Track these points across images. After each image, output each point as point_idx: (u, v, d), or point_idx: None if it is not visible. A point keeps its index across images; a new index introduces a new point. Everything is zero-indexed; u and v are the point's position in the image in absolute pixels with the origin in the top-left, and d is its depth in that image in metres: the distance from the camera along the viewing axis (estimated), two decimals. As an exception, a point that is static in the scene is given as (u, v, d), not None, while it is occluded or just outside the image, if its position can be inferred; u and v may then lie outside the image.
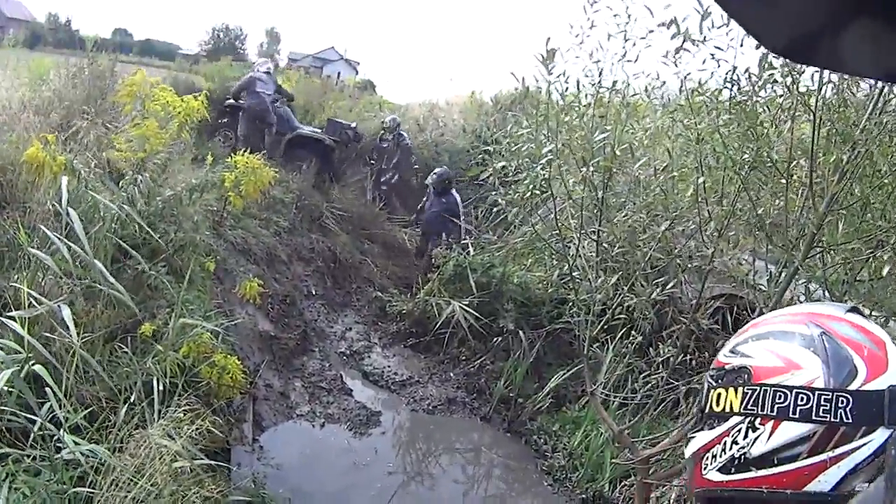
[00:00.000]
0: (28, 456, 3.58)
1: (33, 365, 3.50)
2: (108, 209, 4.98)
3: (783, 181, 3.67)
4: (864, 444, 1.09)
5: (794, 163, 3.68)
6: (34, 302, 3.91)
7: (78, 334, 3.87)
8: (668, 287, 4.71)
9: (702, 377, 4.84)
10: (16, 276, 4.27)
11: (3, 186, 5.26)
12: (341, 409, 6.62)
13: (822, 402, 1.10)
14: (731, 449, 1.20)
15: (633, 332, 5.09)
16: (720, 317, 5.17)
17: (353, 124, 10.95)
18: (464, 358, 7.66)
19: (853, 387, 1.10)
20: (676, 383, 4.87)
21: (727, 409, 1.21)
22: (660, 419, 5.71)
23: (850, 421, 1.09)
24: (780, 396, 1.14)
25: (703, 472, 1.26)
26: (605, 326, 4.86)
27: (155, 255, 5.32)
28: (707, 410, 1.26)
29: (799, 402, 1.12)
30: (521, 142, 4.76)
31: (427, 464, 6.36)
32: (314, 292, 8.17)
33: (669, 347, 4.79)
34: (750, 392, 1.17)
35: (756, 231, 4.03)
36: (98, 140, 5.91)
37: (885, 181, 3.46)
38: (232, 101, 10.06)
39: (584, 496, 5.97)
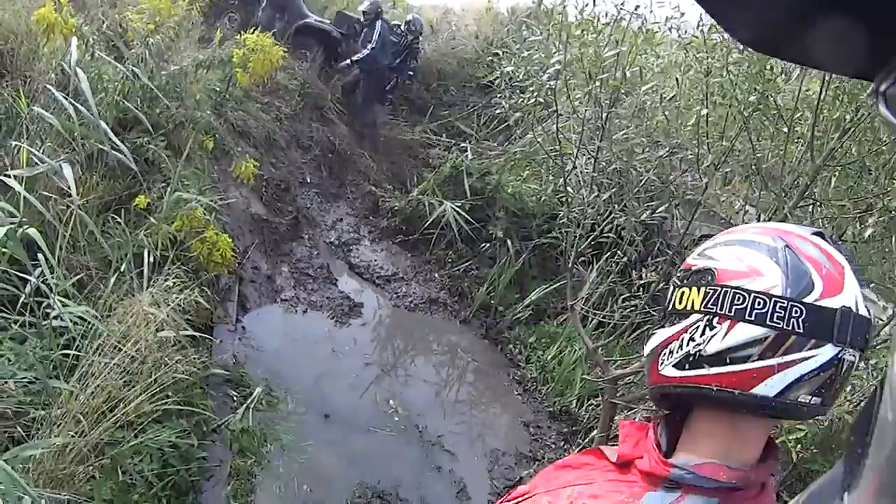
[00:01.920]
0: (15, 322, 3.64)
1: (28, 228, 3.51)
2: (112, 79, 4.92)
3: (785, 129, 3.67)
4: (812, 357, 1.16)
5: (799, 114, 3.68)
6: (35, 161, 3.90)
7: (78, 200, 3.88)
8: (658, 211, 4.73)
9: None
10: (15, 142, 4.23)
11: (4, 55, 5.15)
12: (325, 297, 6.71)
13: (777, 309, 1.16)
14: (687, 345, 1.25)
15: (619, 254, 5.13)
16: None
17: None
18: (450, 260, 7.72)
19: (808, 300, 1.16)
20: (654, 312, 4.96)
21: (688, 308, 1.26)
22: (634, 344, 5.84)
23: (801, 331, 1.15)
24: (738, 298, 1.19)
25: (660, 368, 1.32)
26: (593, 243, 4.90)
27: (155, 130, 5.28)
28: (670, 308, 1.32)
29: (756, 306, 1.18)
30: (532, 49, 4.71)
31: (403, 360, 6.50)
32: (309, 180, 8.16)
33: (652, 273, 4.86)
34: (711, 292, 1.23)
35: (752, 175, 4.05)
36: (108, 8, 5.77)
37: (883, 147, 3.47)
38: None
39: (551, 409, 6.14)
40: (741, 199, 4.51)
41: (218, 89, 6.74)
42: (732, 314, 1.20)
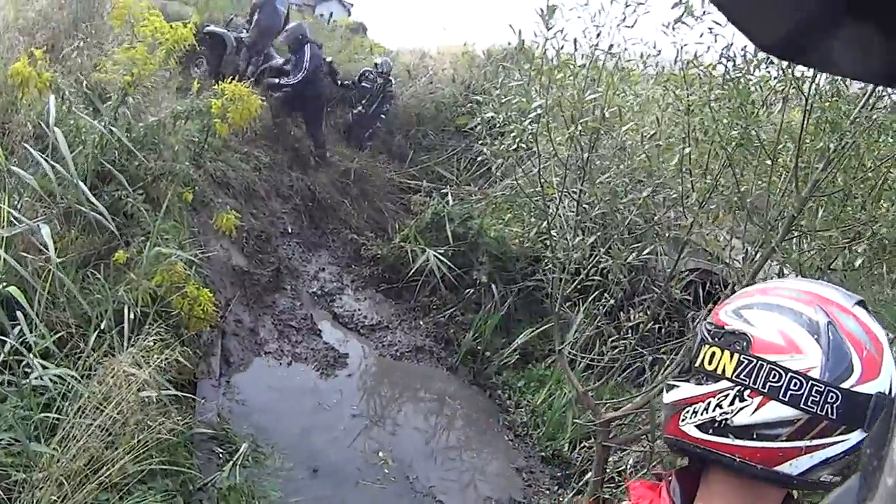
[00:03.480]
0: (-6, 382, 3.55)
1: (6, 287, 3.44)
2: (89, 133, 4.88)
3: (768, 162, 3.68)
4: (841, 442, 1.12)
5: (781, 146, 3.69)
6: (14, 221, 3.83)
7: (56, 258, 3.81)
8: (644, 252, 4.72)
9: (668, 349, 4.92)
10: None
11: None
12: (309, 348, 6.63)
13: (814, 393, 1.12)
14: (713, 411, 1.21)
15: (605, 296, 5.11)
16: (693, 290, 5.22)
17: (330, 59, 10.58)
18: (434, 307, 7.67)
19: (846, 385, 1.12)
20: (643, 351, 4.93)
21: (719, 371, 1.22)
22: (624, 385, 5.80)
23: (835, 418, 1.11)
24: (774, 375, 1.15)
25: (680, 424, 1.28)
26: (579, 287, 4.88)
27: (133, 183, 5.23)
28: (698, 365, 1.27)
29: (792, 387, 1.14)
30: (511, 94, 4.72)
31: (391, 409, 6.41)
32: (290, 230, 8.11)
33: (640, 314, 4.83)
34: (746, 362, 1.18)
35: (737, 209, 4.06)
36: (84, 63, 5.75)
37: (869, 175, 3.48)
38: (211, 28, 9.71)
39: (543, 454, 6.07)
40: (727, 232, 4.51)
41: (196, 139, 6.71)
42: (766, 391, 1.16)
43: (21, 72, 4.64)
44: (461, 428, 6.40)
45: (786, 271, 3.94)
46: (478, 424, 6.44)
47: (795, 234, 3.73)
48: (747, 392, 1.17)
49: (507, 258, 7.62)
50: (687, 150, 3.89)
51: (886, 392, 1.13)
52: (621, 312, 5.14)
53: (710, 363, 1.24)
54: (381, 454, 5.66)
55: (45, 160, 4.04)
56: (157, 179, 5.49)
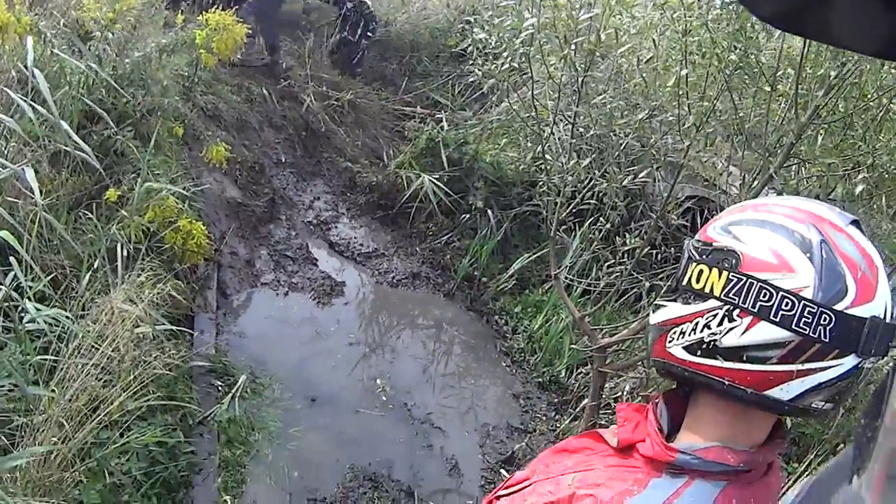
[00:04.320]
0: (-9, 329, 3.55)
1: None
2: (74, 73, 4.78)
3: (767, 88, 3.60)
4: (833, 367, 1.11)
5: (781, 72, 3.60)
6: (-1, 167, 3.78)
7: (42, 201, 3.76)
8: (640, 176, 4.66)
9: (665, 275, 4.92)
10: None
11: None
12: (306, 278, 6.62)
13: (806, 314, 1.10)
14: (701, 331, 1.19)
15: (601, 220, 5.07)
16: (690, 217, 5.18)
17: None
18: (430, 233, 7.63)
19: (839, 307, 1.10)
20: (640, 277, 4.92)
21: (707, 290, 1.20)
22: (621, 311, 5.82)
23: (828, 340, 1.10)
24: (765, 294, 1.13)
25: (667, 345, 1.26)
26: (574, 211, 4.83)
27: (122, 121, 5.14)
28: (685, 283, 1.25)
29: (783, 307, 1.11)
30: (503, 14, 4.60)
31: (388, 337, 6.44)
32: (284, 160, 8.00)
33: (636, 239, 4.80)
34: (735, 280, 1.16)
35: (735, 135, 3.99)
36: (65, 2, 5.58)
37: (870, 104, 3.40)
38: None
39: (540, 380, 6.11)
40: (724, 159, 4.45)
41: (185, 74, 6.58)
42: (756, 311, 1.13)
43: (-1, 18, 4.51)
44: (458, 354, 6.43)
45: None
46: (475, 351, 6.47)
47: (794, 161, 3.67)
48: (736, 312, 1.15)
49: (502, 183, 7.54)
50: (684, 73, 3.79)
51: (881, 316, 1.12)
52: (617, 237, 5.11)
53: (697, 282, 1.22)
54: (378, 382, 5.70)
55: (26, 102, 3.95)
56: (146, 116, 5.39)
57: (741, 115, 3.75)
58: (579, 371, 6.01)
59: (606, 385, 4.81)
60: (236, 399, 4.68)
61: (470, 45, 4.91)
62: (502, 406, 5.82)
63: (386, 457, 5.00)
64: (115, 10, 5.03)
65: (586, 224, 5.90)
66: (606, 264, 5.48)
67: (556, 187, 4.65)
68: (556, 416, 5.72)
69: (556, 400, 5.92)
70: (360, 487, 4.70)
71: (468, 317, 6.89)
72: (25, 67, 4.16)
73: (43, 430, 3.21)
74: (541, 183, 5.17)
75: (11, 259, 3.41)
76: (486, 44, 4.85)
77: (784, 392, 1.14)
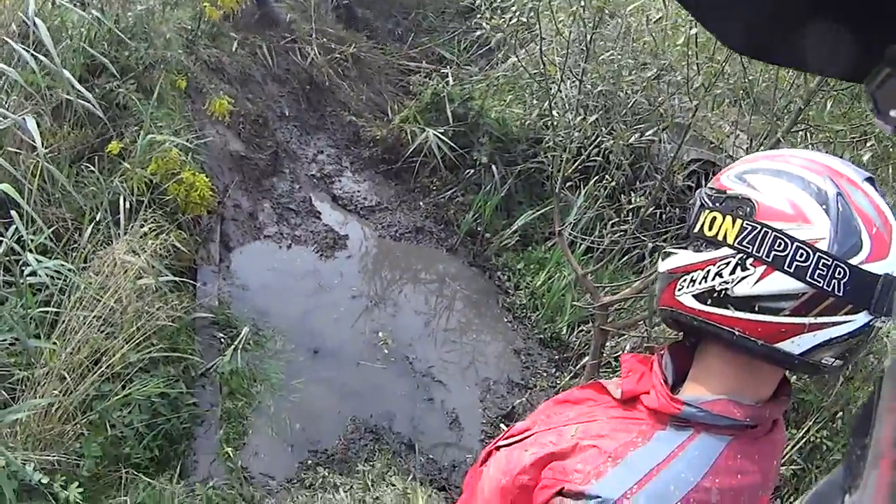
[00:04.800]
0: (-8, 283, 3.56)
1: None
2: (76, 25, 4.73)
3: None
4: (845, 322, 1.10)
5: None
6: (-1, 117, 3.75)
7: (45, 153, 3.74)
8: (647, 135, 4.63)
9: (669, 235, 4.91)
10: None
11: None
12: (309, 231, 6.61)
13: (821, 266, 1.08)
14: (712, 280, 1.18)
15: (606, 178, 5.05)
16: (695, 180, 5.14)
17: None
18: (434, 188, 7.59)
19: (854, 261, 1.08)
20: (644, 237, 4.91)
21: (720, 238, 1.18)
22: (623, 270, 5.81)
23: (841, 295, 1.08)
24: (780, 244, 1.11)
25: (676, 293, 1.25)
26: (580, 168, 4.80)
27: (124, 74, 5.11)
28: (697, 231, 1.23)
29: (798, 258, 1.10)
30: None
31: (391, 291, 6.44)
32: (287, 114, 7.93)
33: (641, 198, 4.78)
34: (750, 228, 1.14)
35: (743, 99, 3.94)
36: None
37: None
38: None
39: (541, 336, 6.12)
40: (731, 123, 4.41)
41: (189, 27, 6.51)
42: (771, 260, 1.11)
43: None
44: (461, 309, 6.45)
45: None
46: (477, 306, 6.48)
47: (802, 127, 3.63)
48: (750, 261, 1.13)
49: (508, 139, 7.47)
50: (693, 32, 3.74)
51: (894, 274, 1.10)
52: (622, 196, 5.10)
53: (710, 229, 1.20)
54: (381, 335, 5.72)
55: (28, 51, 3.92)
56: (149, 68, 5.35)
57: (750, 78, 3.70)
58: (581, 329, 6.02)
59: (608, 343, 4.82)
60: (239, 351, 4.72)
61: (479, -1, 4.86)
62: (503, 361, 5.85)
63: (387, 409, 5.05)
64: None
65: (591, 182, 5.89)
66: (610, 223, 5.49)
67: (561, 144, 4.61)
68: (557, 373, 5.74)
69: (556, 357, 5.95)
70: (361, 439, 4.75)
71: (471, 272, 6.89)
72: (27, 19, 4.12)
73: (44, 384, 3.23)
74: (546, 139, 5.14)
75: (13, 212, 3.40)
76: (494, -2, 4.80)
77: (795, 345, 1.12)
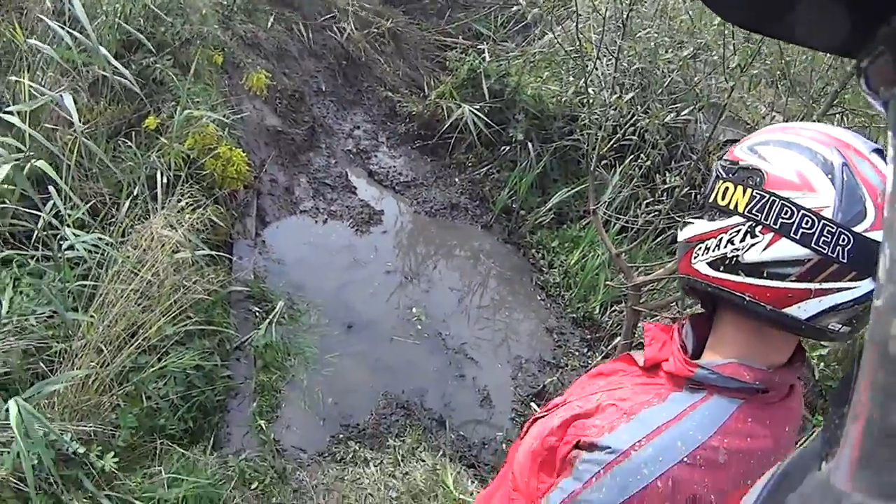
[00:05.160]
0: (32, 258, 3.64)
1: (36, 161, 3.46)
2: (111, 1, 4.78)
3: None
4: (850, 289, 1.14)
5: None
6: (35, 94, 3.81)
7: (81, 129, 3.80)
8: (683, 114, 4.58)
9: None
10: (15, 77, 4.13)
11: None
12: (344, 206, 6.66)
13: (825, 233, 1.13)
14: (725, 247, 1.24)
15: (641, 157, 5.00)
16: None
17: None
18: (470, 164, 7.59)
19: (858, 229, 1.13)
20: (678, 217, 4.85)
21: (731, 207, 1.23)
22: (657, 250, 5.75)
23: (846, 261, 1.13)
24: (787, 212, 1.16)
25: (692, 261, 1.31)
26: (615, 146, 4.77)
27: (161, 49, 5.16)
28: (711, 201, 1.29)
29: (804, 225, 1.15)
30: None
31: (425, 267, 6.46)
32: (324, 89, 7.96)
33: (676, 178, 4.73)
34: (759, 197, 1.19)
35: (779, 80, 3.88)
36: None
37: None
38: None
39: (574, 315, 6.11)
40: (767, 104, 4.34)
41: (224, 2, 6.54)
42: (778, 227, 1.17)
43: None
44: (494, 286, 6.45)
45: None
46: (511, 283, 6.49)
47: (838, 110, 3.57)
48: (759, 228, 1.19)
49: (544, 116, 7.42)
50: (730, 10, 3.69)
51: None
52: (657, 176, 5.05)
53: (723, 198, 1.26)
54: (414, 311, 5.76)
55: (63, 28, 3.97)
56: (185, 44, 5.40)
57: (786, 60, 3.64)
58: (613, 308, 6.00)
59: (640, 324, 4.79)
60: (273, 325, 4.79)
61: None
62: (535, 340, 5.86)
63: (419, 385, 5.09)
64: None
65: (627, 161, 5.84)
66: (645, 202, 5.44)
67: (597, 122, 4.58)
68: (589, 353, 5.73)
69: (588, 336, 5.94)
70: (392, 415, 4.79)
71: (505, 249, 6.89)
72: (60, -2, 4.18)
73: (81, 356, 3.31)
74: (582, 117, 5.10)
75: (50, 188, 3.47)
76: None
77: (801, 310, 1.17)
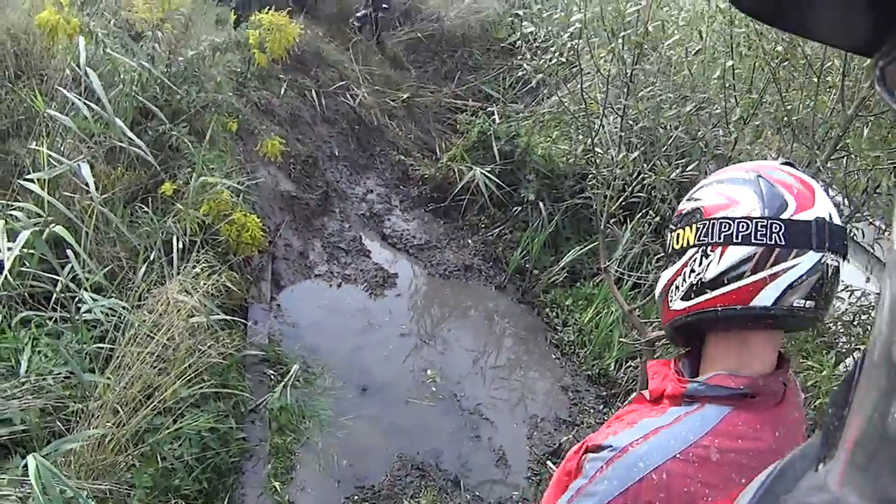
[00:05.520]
0: (50, 319, 3.70)
1: (54, 227, 3.55)
2: (127, 71, 4.93)
3: (814, 79, 3.56)
4: (797, 265, 1.33)
5: (829, 63, 3.55)
6: (53, 163, 3.92)
7: (99, 195, 3.90)
8: (688, 169, 4.62)
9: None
10: (35, 143, 4.27)
11: (19, 56, 5.17)
12: (359, 269, 6.71)
13: (760, 228, 1.34)
14: (689, 277, 1.44)
15: (651, 213, 5.04)
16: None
17: None
18: (482, 226, 7.65)
19: (784, 216, 1.34)
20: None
21: (685, 245, 1.46)
22: (670, 304, 5.73)
23: (784, 243, 1.33)
24: (725, 226, 1.38)
25: (670, 305, 1.51)
26: (624, 204, 4.81)
27: (176, 117, 5.30)
28: (669, 251, 1.53)
29: (741, 229, 1.36)
30: (551, 8, 4.61)
31: (440, 328, 6.48)
32: (337, 154, 8.11)
33: (686, 232, 4.75)
34: (702, 226, 1.42)
35: (783, 127, 3.93)
36: (115, 2, 5.75)
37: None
38: None
39: (589, 372, 6.09)
40: (773, 152, 4.38)
41: (238, 70, 6.72)
42: (722, 241, 1.38)
43: (48, 20, 4.63)
44: (509, 346, 6.46)
45: (831, 193, 3.84)
46: (525, 343, 6.49)
47: (842, 154, 3.63)
48: (709, 248, 1.40)
49: (554, 176, 7.50)
50: (730, 64, 3.77)
51: (826, 218, 1.35)
52: (667, 231, 5.07)
53: (677, 243, 1.49)
54: (429, 372, 5.75)
55: (80, 100, 4.10)
56: (200, 111, 5.53)
57: (789, 107, 3.70)
58: (628, 364, 5.97)
59: (643, 391, 4.77)
60: (288, 387, 4.80)
61: (518, 38, 4.93)
62: (551, 398, 5.83)
63: (434, 446, 5.06)
64: (164, 10, 5.15)
65: (636, 217, 5.87)
66: (656, 257, 5.45)
67: (605, 180, 4.64)
68: (605, 409, 5.70)
69: (604, 393, 5.91)
70: (407, 476, 4.76)
71: (519, 309, 6.91)
72: (79, 67, 4.31)
73: (98, 416, 3.34)
74: (591, 175, 5.15)
75: (69, 251, 3.54)
76: (535, 37, 4.86)
77: (765, 298, 1.35)
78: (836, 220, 1.36)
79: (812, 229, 1.33)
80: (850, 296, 4.33)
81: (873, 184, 3.56)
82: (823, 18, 0.65)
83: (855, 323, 4.34)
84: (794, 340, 4.43)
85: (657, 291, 1.60)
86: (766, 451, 1.39)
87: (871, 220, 3.97)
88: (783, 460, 0.72)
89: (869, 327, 4.13)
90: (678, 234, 1.49)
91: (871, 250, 4.61)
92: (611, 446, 1.38)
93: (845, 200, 3.70)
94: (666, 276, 1.54)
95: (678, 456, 1.34)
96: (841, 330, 4.44)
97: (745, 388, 1.40)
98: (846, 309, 4.35)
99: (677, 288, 1.48)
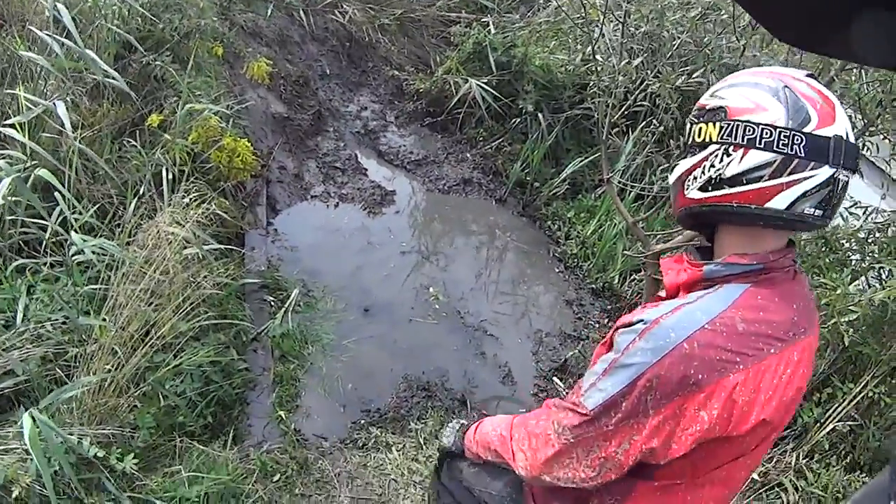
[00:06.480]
0: (45, 265, 3.63)
1: (39, 171, 3.44)
2: (108, 5, 4.74)
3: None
4: (812, 176, 1.43)
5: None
6: (30, 105, 3.79)
7: (84, 133, 3.79)
8: (694, 76, 4.47)
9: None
10: (9, 90, 4.14)
11: (1, 5, 4.98)
12: (356, 188, 6.61)
13: (782, 138, 1.44)
14: (709, 171, 1.54)
15: (654, 123, 4.90)
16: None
17: None
18: (481, 139, 7.50)
19: (806, 130, 1.43)
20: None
21: (706, 140, 1.55)
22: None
23: (803, 155, 1.43)
24: (749, 130, 1.47)
25: (686, 192, 1.62)
26: (626, 113, 4.67)
27: (160, 47, 5.13)
28: (690, 142, 1.63)
29: (764, 136, 1.45)
30: None
31: (441, 245, 6.40)
32: (328, 72, 7.89)
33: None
34: (726, 126, 1.51)
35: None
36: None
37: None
38: None
39: (593, 286, 6.05)
40: (781, 62, 4.21)
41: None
42: (745, 143, 1.48)
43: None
44: (511, 261, 6.39)
45: (843, 104, 3.69)
46: (528, 256, 6.42)
47: (856, 65, 3.49)
48: (731, 148, 1.50)
49: (553, 86, 7.29)
50: (736, -32, 3.58)
51: (843, 136, 1.44)
52: (671, 141, 4.95)
53: (699, 136, 1.58)
54: (431, 290, 5.71)
55: (52, 37, 3.94)
56: (184, 39, 5.34)
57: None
58: (633, 277, 5.92)
59: (660, 293, 4.72)
60: (289, 313, 4.76)
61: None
62: (555, 313, 5.80)
63: (439, 366, 5.04)
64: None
65: (639, 127, 5.74)
66: (660, 168, 5.34)
67: (607, 89, 4.49)
68: (609, 323, 5.65)
69: (609, 307, 5.87)
70: (413, 397, 4.75)
71: (521, 222, 6.83)
72: (48, 7, 4.14)
73: (96, 359, 3.29)
74: (591, 85, 5.00)
75: (56, 194, 3.45)
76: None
77: (780, 202, 1.46)
78: (852, 139, 1.46)
79: (830, 145, 1.42)
80: (865, 213, 4.25)
81: (889, 97, 3.42)
82: (861, 40, 0.66)
83: (869, 241, 4.27)
84: (806, 257, 4.37)
85: (672, 178, 1.70)
86: (787, 322, 1.54)
87: (885, 135, 3.86)
88: (856, 494, 0.72)
89: (884, 245, 4.06)
90: (700, 129, 1.58)
91: (888, 167, 4.47)
92: (642, 320, 1.52)
93: (858, 115, 3.57)
94: (684, 165, 1.63)
95: (706, 326, 1.47)
96: (855, 247, 4.36)
97: (757, 263, 1.55)
98: (860, 226, 4.27)
99: (695, 178, 1.58)
